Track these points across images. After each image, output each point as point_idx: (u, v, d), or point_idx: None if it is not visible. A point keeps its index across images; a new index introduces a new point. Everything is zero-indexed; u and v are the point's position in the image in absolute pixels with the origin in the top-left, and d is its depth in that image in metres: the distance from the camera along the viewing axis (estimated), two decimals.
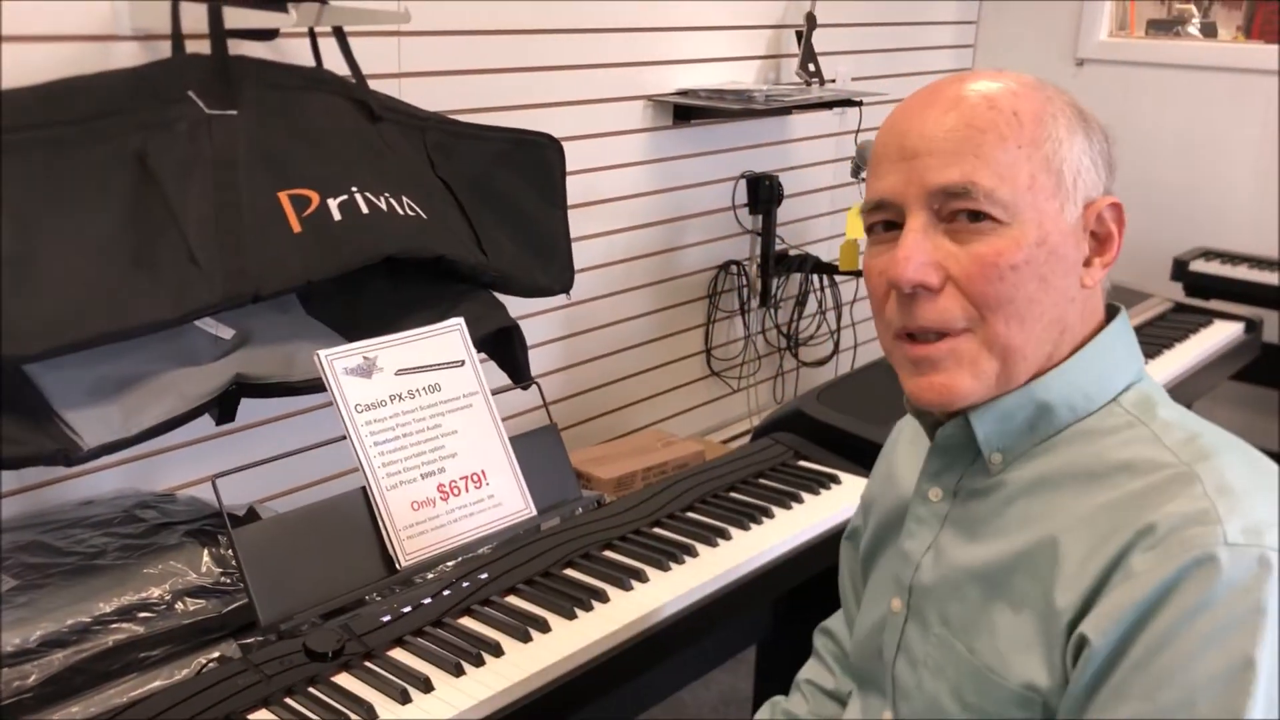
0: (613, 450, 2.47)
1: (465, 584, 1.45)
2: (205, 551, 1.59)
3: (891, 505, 1.07)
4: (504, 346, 1.93)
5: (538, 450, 1.64)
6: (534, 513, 1.60)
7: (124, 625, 1.48)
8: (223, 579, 1.57)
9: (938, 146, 0.88)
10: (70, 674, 1.40)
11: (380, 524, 1.47)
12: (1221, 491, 0.81)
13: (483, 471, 1.58)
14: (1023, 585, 0.88)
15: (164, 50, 1.71)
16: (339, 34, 1.80)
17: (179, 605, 1.53)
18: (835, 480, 1.78)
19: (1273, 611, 0.77)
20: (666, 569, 1.50)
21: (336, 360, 1.50)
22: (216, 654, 1.50)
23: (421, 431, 1.55)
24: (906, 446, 1.10)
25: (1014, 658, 0.87)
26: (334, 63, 1.84)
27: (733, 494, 1.73)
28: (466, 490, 1.56)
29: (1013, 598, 0.89)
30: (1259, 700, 0.76)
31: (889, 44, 3.40)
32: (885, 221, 0.93)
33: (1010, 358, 0.90)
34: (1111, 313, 0.97)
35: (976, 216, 0.88)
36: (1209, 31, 4.03)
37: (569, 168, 2.09)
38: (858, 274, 2.89)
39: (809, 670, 1.28)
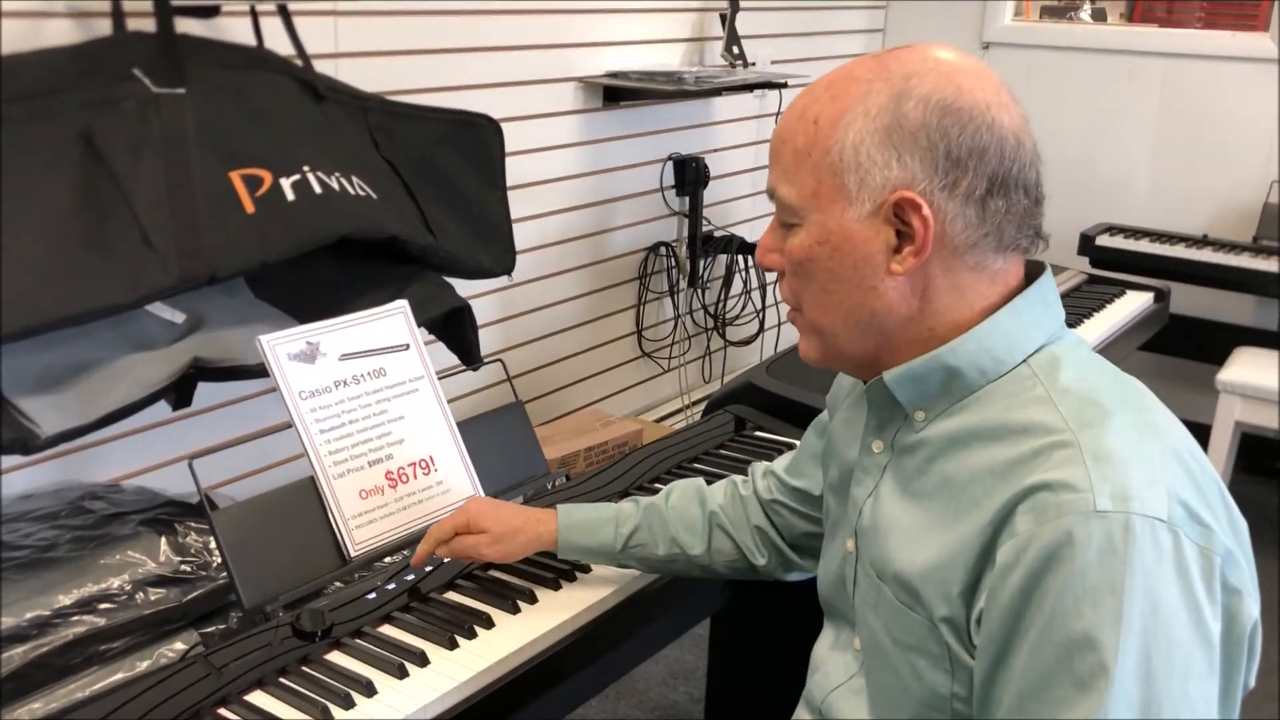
0: (553, 431, 2.47)
1: (445, 559, 1.44)
2: (163, 540, 1.55)
3: (843, 460, 1.13)
4: (454, 328, 1.92)
5: (504, 427, 1.63)
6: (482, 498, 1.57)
7: (84, 617, 1.44)
8: (182, 567, 1.53)
9: (770, 151, 1.00)
10: (31, 669, 1.36)
11: (328, 513, 1.43)
12: (1097, 459, 0.85)
13: (430, 457, 1.54)
14: (937, 534, 0.94)
15: (99, 29, 1.66)
16: (284, 13, 1.77)
17: (139, 595, 1.49)
18: (790, 448, 1.80)
19: (1134, 581, 0.81)
20: None
21: (279, 346, 1.44)
22: (179, 644, 1.48)
23: (368, 418, 1.51)
24: (843, 404, 1.18)
25: (928, 594, 0.93)
26: (273, 43, 1.81)
27: (696, 465, 1.75)
28: (415, 477, 1.52)
29: (928, 544, 0.95)
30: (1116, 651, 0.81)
31: (804, 28, 3.46)
32: None
33: (824, 336, 1.00)
34: (1036, 272, 1.00)
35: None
36: (1099, 16, 4.19)
37: None
38: None
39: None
